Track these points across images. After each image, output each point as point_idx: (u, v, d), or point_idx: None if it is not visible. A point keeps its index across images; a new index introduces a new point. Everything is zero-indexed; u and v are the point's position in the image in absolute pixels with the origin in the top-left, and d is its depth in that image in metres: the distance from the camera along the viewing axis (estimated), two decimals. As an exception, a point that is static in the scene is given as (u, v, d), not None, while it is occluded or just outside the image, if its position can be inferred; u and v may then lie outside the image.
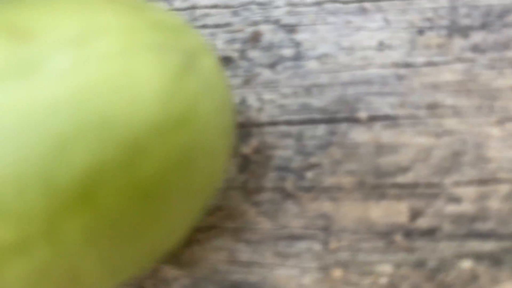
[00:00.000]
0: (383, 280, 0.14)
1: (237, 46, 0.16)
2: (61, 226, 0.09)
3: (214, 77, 0.11)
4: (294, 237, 0.15)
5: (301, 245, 0.15)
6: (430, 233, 0.15)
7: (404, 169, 0.15)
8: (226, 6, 0.17)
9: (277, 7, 0.17)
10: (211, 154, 0.11)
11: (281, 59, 0.16)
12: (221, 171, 0.12)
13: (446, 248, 0.15)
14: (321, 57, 0.16)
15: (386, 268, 0.14)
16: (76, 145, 0.09)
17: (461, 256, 0.14)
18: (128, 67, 0.10)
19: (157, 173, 0.10)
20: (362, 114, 0.16)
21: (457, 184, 0.15)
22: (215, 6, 0.17)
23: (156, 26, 0.11)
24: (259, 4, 0.17)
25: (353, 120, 0.16)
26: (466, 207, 0.15)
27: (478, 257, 0.14)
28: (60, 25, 0.10)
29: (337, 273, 0.15)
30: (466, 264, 0.14)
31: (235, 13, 0.17)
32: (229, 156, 0.12)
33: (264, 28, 0.17)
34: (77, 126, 0.09)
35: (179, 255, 0.15)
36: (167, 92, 0.10)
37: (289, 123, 0.16)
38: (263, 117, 0.16)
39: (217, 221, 0.16)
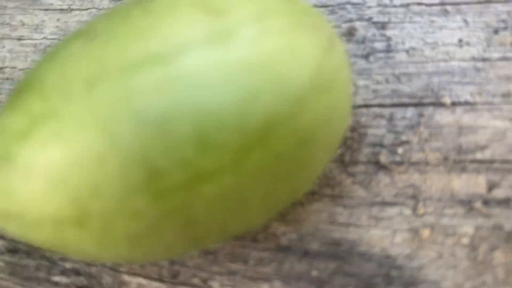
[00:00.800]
0: (465, 240, 0.17)
1: (338, 38, 0.19)
2: (244, 160, 0.12)
3: (344, 56, 0.14)
4: (386, 204, 0.18)
5: (393, 210, 0.17)
6: (505, 202, 0.17)
7: (482, 147, 0.17)
8: (325, 5, 0.20)
9: (369, 7, 0.20)
10: (343, 114, 0.14)
11: (374, 51, 0.19)
12: (342, 134, 0.14)
13: (521, 214, 0.17)
14: (409, 50, 0.19)
15: (467, 230, 0.17)
16: (260, 96, 0.12)
17: (535, 221, 0.17)
18: (293, 40, 0.12)
19: (312, 124, 0.12)
20: (446, 100, 0.18)
21: (531, 160, 0.17)
22: (314, 6, 0.20)
23: (307, 12, 0.13)
24: (354, 4, 0.20)
25: (438, 105, 0.18)
26: (538, 181, 0.17)
27: (550, 222, 0.17)
28: (243, 6, 0.12)
29: (425, 233, 0.17)
30: (541, 227, 0.16)
31: (332, 11, 0.20)
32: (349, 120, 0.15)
33: (358, 24, 0.19)
34: (262, 81, 0.12)
35: (286, 215, 0.18)
36: (320, 62, 0.13)
37: (381, 105, 0.18)
38: (358, 100, 0.19)
39: (317, 188, 0.18)
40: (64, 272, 0.18)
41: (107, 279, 0.18)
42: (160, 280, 0.18)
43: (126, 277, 0.18)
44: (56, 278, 0.18)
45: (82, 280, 0.18)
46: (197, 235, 0.13)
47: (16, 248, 0.19)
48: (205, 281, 0.17)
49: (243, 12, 0.12)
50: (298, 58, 0.12)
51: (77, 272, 0.18)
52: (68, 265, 0.19)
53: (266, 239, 0.18)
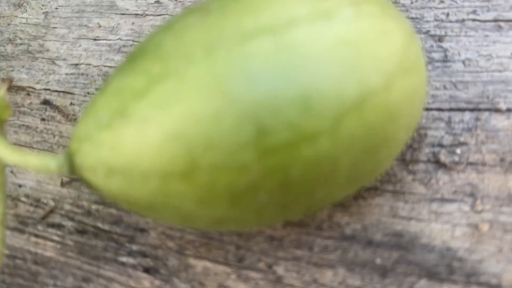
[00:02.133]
0: (525, 237, 0.17)
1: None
2: (340, 125, 0.13)
3: (420, 47, 0.15)
4: (445, 200, 0.18)
5: (452, 207, 0.18)
6: (563, 202, 0.18)
7: (538, 151, 0.18)
8: (384, 19, 0.21)
9: (427, 21, 0.21)
10: (422, 99, 0.15)
11: (431, 60, 0.20)
12: (420, 118, 0.16)
13: None
14: (464, 61, 0.20)
15: (527, 227, 0.18)
16: (359, 68, 0.13)
17: None
18: (384, 24, 0.14)
19: (399, 101, 0.14)
20: (502, 106, 0.19)
21: None
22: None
23: (390, 3, 0.15)
24: (412, 18, 0.21)
25: (494, 110, 0.19)
26: None
27: None
28: (341, -6, 0.14)
29: (484, 228, 0.18)
30: None
31: (392, 24, 0.21)
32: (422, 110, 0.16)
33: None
34: (358, 56, 0.13)
35: (349, 206, 0.19)
36: (406, 47, 0.14)
37: (439, 109, 0.20)
38: (417, 104, 0.20)
39: (379, 184, 0.19)
40: (131, 254, 0.19)
41: (173, 261, 0.19)
42: (226, 263, 0.18)
43: (191, 260, 0.19)
44: (123, 259, 0.19)
45: (148, 262, 0.19)
46: (288, 200, 0.14)
47: (84, 229, 0.20)
48: (270, 266, 0.18)
49: (341, -2, 0.14)
50: (389, 40, 0.14)
51: (143, 254, 0.19)
52: (135, 247, 0.19)
53: (330, 228, 0.18)
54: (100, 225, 0.20)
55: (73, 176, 0.15)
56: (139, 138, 0.13)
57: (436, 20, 0.21)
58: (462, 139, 0.19)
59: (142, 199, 0.14)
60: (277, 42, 0.13)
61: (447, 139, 0.19)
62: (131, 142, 0.13)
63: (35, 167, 0.15)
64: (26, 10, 0.25)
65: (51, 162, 0.15)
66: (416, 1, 0.22)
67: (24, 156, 0.15)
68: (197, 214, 0.14)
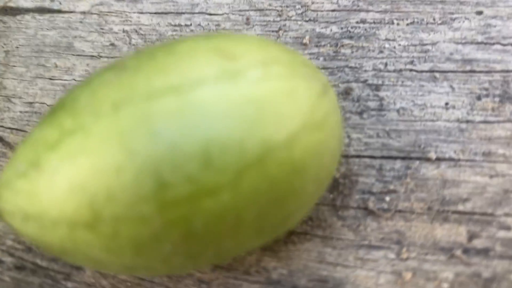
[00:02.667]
0: (445, 286, 0.18)
1: (336, 94, 0.21)
2: (242, 180, 0.13)
3: (336, 103, 0.16)
4: (372, 247, 0.19)
5: (378, 253, 0.19)
6: (484, 252, 0.18)
7: (464, 200, 0.19)
8: (325, 68, 0.22)
9: (365, 70, 0.22)
10: (333, 153, 0.15)
11: (367, 108, 0.21)
12: (333, 172, 0.16)
13: (498, 264, 0.18)
14: (399, 110, 0.21)
15: (448, 275, 0.18)
16: (262, 125, 0.13)
17: (511, 271, 0.18)
18: (292, 85, 0.15)
19: (303, 156, 0.14)
20: (432, 155, 0.20)
21: (507, 215, 0.19)
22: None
23: (305, 63, 0.16)
24: (351, 67, 0.22)
25: (424, 159, 0.20)
26: (515, 234, 0.18)
27: (525, 273, 0.18)
28: (252, 53, 0.15)
29: (408, 276, 0.18)
30: (516, 277, 0.18)
31: (332, 73, 0.22)
32: (338, 163, 0.17)
33: (354, 85, 0.22)
34: (262, 114, 0.14)
35: (278, 251, 0.19)
36: (313, 105, 0.15)
37: (372, 157, 0.20)
38: (351, 151, 0.20)
39: (309, 229, 0.20)
40: (65, 292, 0.20)
41: (105, 300, 0.19)
42: (155, 304, 0.19)
43: (123, 300, 0.19)
44: (58, 297, 0.20)
45: (81, 300, 0.19)
46: (194, 250, 0.14)
47: (23, 265, 0.20)
48: (197, 308, 0.18)
49: (251, 58, 0.14)
50: (294, 99, 0.14)
51: (78, 293, 0.19)
52: (70, 285, 0.20)
53: (257, 273, 0.19)
54: (38, 261, 0.20)
55: (-3, 219, 0.15)
56: (49, 188, 0.13)
57: (374, 69, 0.22)
58: (392, 186, 0.20)
59: (54, 245, 0.14)
60: (181, 100, 0.13)
61: (377, 186, 0.20)
62: (43, 191, 0.14)
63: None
64: (-11, 48, 0.26)
65: (-24, 205, 0.15)
66: (356, 51, 0.22)
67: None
68: (105, 261, 0.14)
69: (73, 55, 0.25)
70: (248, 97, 0.14)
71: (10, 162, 0.15)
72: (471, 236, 0.18)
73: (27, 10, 0.27)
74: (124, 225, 0.13)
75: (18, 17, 0.26)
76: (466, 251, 0.18)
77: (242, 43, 0.15)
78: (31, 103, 0.24)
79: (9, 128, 0.24)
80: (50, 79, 0.24)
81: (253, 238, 0.15)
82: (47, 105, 0.24)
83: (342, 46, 0.23)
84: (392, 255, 0.18)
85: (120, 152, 0.13)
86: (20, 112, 0.24)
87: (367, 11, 0.23)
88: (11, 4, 0.27)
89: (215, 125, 0.13)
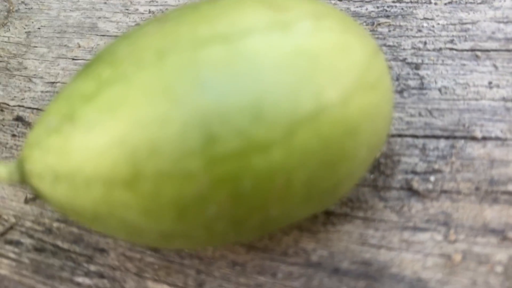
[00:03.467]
0: (499, 269, 0.17)
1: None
2: (294, 136, 0.12)
3: (387, 67, 0.15)
4: (418, 229, 0.18)
5: (424, 236, 0.18)
6: (540, 235, 0.17)
7: (514, 181, 0.18)
8: (361, 46, 0.21)
9: (404, 49, 0.21)
10: (385, 118, 0.14)
11: (407, 87, 0.20)
12: (384, 140, 0.15)
13: (556, 247, 0.17)
14: (441, 89, 0.20)
15: (501, 258, 0.17)
16: (315, 79, 0.12)
17: None
18: (345, 40, 0.14)
19: (357, 116, 0.13)
20: (477, 134, 0.19)
21: None
22: (353, 44, 0.21)
23: (355, 22, 0.15)
24: (389, 46, 0.21)
25: (470, 138, 0.19)
26: None
27: None
28: (301, 6, 0.14)
29: (457, 259, 0.17)
30: None
31: (368, 51, 0.21)
32: (390, 129, 0.16)
33: (393, 64, 0.21)
34: (315, 68, 0.13)
35: (317, 232, 0.18)
36: (367, 63, 0.14)
37: (414, 136, 0.19)
38: (392, 130, 0.19)
39: (349, 211, 0.18)
40: (88, 274, 0.18)
41: (130, 283, 0.18)
42: (185, 288, 0.17)
43: (150, 283, 0.18)
44: (79, 279, 0.18)
45: (105, 283, 0.18)
46: (240, 214, 0.13)
47: (43, 247, 0.19)
48: (231, 292, 0.17)
49: (301, 10, 0.14)
50: (349, 54, 0.13)
51: (101, 275, 0.18)
52: (93, 268, 0.18)
53: (296, 254, 0.18)
54: (59, 243, 0.19)
55: (23, 184, 0.14)
56: (84, 143, 0.12)
57: (413, 48, 0.21)
58: (436, 166, 0.18)
59: (86, 209, 0.13)
60: (230, 49, 0.12)
61: (421, 166, 0.18)
62: (77, 147, 0.12)
63: (-16, 174, 0.14)
64: (9, 29, 0.25)
65: (1, 170, 0.14)
66: (393, 30, 0.22)
67: (-26, 163, 0.14)
68: (143, 227, 0.13)
69: (97, 35, 0.24)
70: (300, 48, 0.13)
71: (40, 119, 0.14)
72: (524, 218, 0.17)
73: (49, -8, 0.26)
74: (167, 182, 0.12)
75: (40, -2, 0.26)
76: (519, 233, 0.17)
77: (291, -2, 0.14)
78: (52, 83, 0.23)
79: (30, 107, 0.23)
80: (73, 59, 0.23)
81: (301, 206, 0.14)
82: (70, 85, 0.23)
83: (379, 24, 0.22)
84: (439, 237, 0.17)
85: (165, 103, 0.12)
86: (41, 92, 0.23)
87: (403, -10, 0.22)
88: (33, -13, 0.26)
89: (266, 76, 0.12)
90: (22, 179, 0.14)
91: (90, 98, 0.12)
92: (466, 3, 0.22)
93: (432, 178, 0.18)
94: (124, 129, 0.12)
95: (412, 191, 0.18)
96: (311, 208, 0.14)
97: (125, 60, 0.13)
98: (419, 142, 0.19)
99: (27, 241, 0.19)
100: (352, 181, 0.14)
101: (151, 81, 0.12)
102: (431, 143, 0.19)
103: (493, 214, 0.17)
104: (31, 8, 0.26)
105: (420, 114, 0.19)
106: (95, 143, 0.12)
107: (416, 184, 0.18)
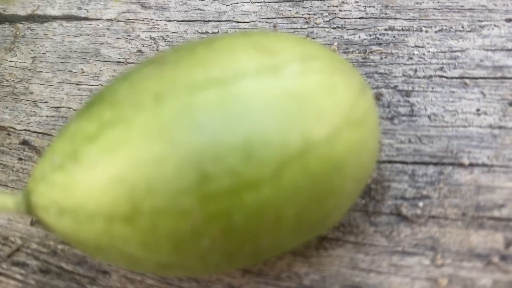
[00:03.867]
0: (484, 294, 0.17)
1: (367, 99, 0.21)
2: (283, 174, 0.13)
3: (373, 103, 0.16)
4: (406, 253, 0.18)
5: (412, 260, 0.18)
6: (523, 260, 0.18)
7: (499, 206, 0.19)
8: (354, 73, 0.22)
9: (395, 76, 0.22)
10: (372, 152, 0.15)
11: (398, 114, 0.21)
12: (371, 172, 0.16)
13: (538, 272, 0.17)
14: (430, 115, 0.21)
15: (485, 283, 0.17)
16: (303, 119, 0.13)
17: (552, 279, 0.17)
18: (332, 80, 0.14)
19: (344, 152, 0.14)
20: (465, 161, 0.19)
21: (546, 222, 0.18)
22: (346, 72, 0.22)
23: (343, 62, 0.16)
24: (381, 73, 0.22)
25: (458, 165, 0.19)
26: (554, 242, 0.18)
27: None
28: (290, 49, 0.15)
29: (444, 283, 0.18)
30: (558, 285, 0.17)
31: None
32: (375, 163, 0.16)
33: (384, 91, 0.22)
34: (303, 109, 0.13)
35: (309, 257, 0.19)
36: (353, 101, 0.15)
37: (403, 162, 0.20)
38: (382, 156, 0.20)
39: (341, 235, 0.19)
40: (91, 296, 0.19)
41: (131, 305, 0.19)
42: (183, 310, 0.18)
43: (150, 305, 0.19)
44: (83, 301, 0.19)
45: (107, 305, 0.19)
46: (232, 247, 0.14)
47: (48, 268, 0.20)
48: (227, 314, 0.18)
49: (290, 53, 0.14)
50: (335, 94, 0.14)
51: (103, 297, 0.19)
52: (95, 289, 0.19)
53: (289, 278, 0.18)
54: (64, 265, 0.20)
55: (30, 214, 0.15)
56: (87, 181, 0.13)
57: (404, 75, 0.22)
58: (425, 192, 0.19)
59: (89, 240, 0.14)
60: (223, 93, 0.13)
61: (410, 192, 0.19)
62: (80, 184, 0.13)
63: (-7, 205, 0.15)
64: (16, 54, 0.26)
65: (9, 201, 0.15)
66: (385, 57, 0.22)
67: (-17, 194, 0.15)
68: (141, 258, 0.14)
69: (100, 61, 0.25)
70: (289, 91, 0.13)
71: (45, 156, 0.15)
72: (508, 243, 0.18)
73: (54, 18, 0.27)
74: (164, 218, 0.13)
75: (46, 24, 0.27)
76: (503, 258, 0.18)
77: (280, 40, 0.15)
78: (57, 107, 0.24)
79: (35, 132, 0.24)
80: (77, 84, 0.24)
81: (291, 237, 0.14)
82: (73, 110, 0.24)
83: (371, 52, 0.22)
84: (426, 262, 0.18)
85: (161, 144, 0.13)
86: (47, 116, 0.24)
87: (395, 18, 0.23)
88: (39, 12, 0.27)
89: (257, 117, 0.13)
90: (28, 210, 0.15)
91: (92, 138, 0.13)
92: (455, 31, 0.22)
93: (420, 203, 0.19)
94: (123, 168, 0.13)
95: (401, 216, 0.19)
96: (301, 238, 0.15)
97: (125, 102, 0.13)
98: (409, 168, 0.20)
99: (33, 262, 0.20)
100: (340, 212, 0.15)
101: (149, 123, 0.13)
102: (420, 169, 0.20)
103: (479, 239, 0.18)
104: (37, 33, 0.27)
105: (409, 141, 0.20)
106: (97, 180, 0.13)
107: (405, 209, 0.19)
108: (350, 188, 0.15)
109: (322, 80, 0.14)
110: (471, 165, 0.19)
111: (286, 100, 0.13)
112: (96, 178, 0.13)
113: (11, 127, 0.24)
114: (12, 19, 0.28)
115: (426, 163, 0.20)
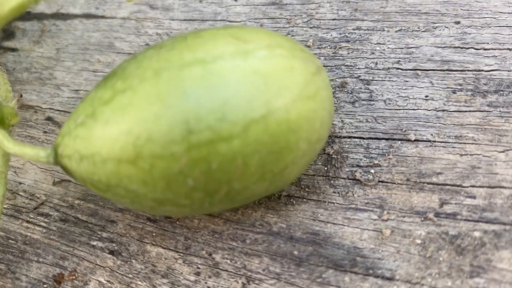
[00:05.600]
0: (418, 241, 0.21)
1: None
2: (249, 132, 0.17)
3: (328, 83, 0.20)
4: (358, 209, 0.23)
5: (363, 215, 0.22)
6: (453, 215, 0.22)
7: (437, 174, 0.23)
8: (325, 65, 0.26)
9: (359, 68, 0.26)
10: (323, 121, 0.20)
11: (359, 99, 0.25)
12: (324, 138, 0.20)
13: (463, 225, 0.22)
14: (386, 100, 0.25)
15: (421, 233, 0.22)
16: (266, 91, 0.18)
17: (474, 230, 0.21)
18: (290, 64, 0.19)
19: (298, 118, 0.18)
20: (411, 137, 0.24)
21: (473, 186, 0.22)
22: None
23: (302, 49, 0.20)
24: (347, 66, 0.26)
25: (405, 140, 0.24)
26: (478, 202, 0.22)
27: (485, 232, 0.21)
28: (260, 39, 0.19)
29: (387, 233, 0.22)
30: (477, 234, 0.21)
31: (330, 70, 0.26)
32: (330, 133, 0.21)
33: (349, 80, 0.26)
34: (266, 83, 0.18)
35: (279, 210, 0.23)
36: (307, 80, 0.19)
37: (360, 138, 0.24)
38: (343, 133, 0.24)
39: (306, 194, 0.23)
40: (101, 239, 0.24)
41: (133, 247, 0.23)
42: (175, 250, 0.23)
43: (148, 247, 0.23)
44: (94, 243, 0.24)
45: (113, 246, 0.23)
46: (211, 187, 0.18)
47: (67, 218, 0.25)
48: (210, 254, 0.22)
49: (259, 42, 0.19)
50: (292, 74, 0.18)
51: (111, 240, 0.23)
52: (105, 234, 0.24)
53: (261, 226, 0.23)
54: (79, 216, 0.24)
55: (56, 164, 0.20)
56: (102, 133, 0.18)
57: (366, 67, 0.26)
58: (376, 161, 0.23)
59: (101, 181, 0.18)
60: (206, 69, 0.18)
61: (364, 161, 0.23)
62: (97, 136, 0.18)
63: (29, 156, 0.20)
64: (43, 46, 0.31)
65: (41, 153, 0.20)
66: (352, 52, 0.27)
67: (22, 148, 0.20)
68: (141, 194, 0.18)
69: (114, 52, 0.29)
70: (256, 69, 0.18)
71: (70, 117, 0.19)
72: (442, 203, 0.22)
73: (75, 16, 0.32)
74: (159, 161, 0.17)
75: (68, 21, 0.31)
76: (437, 214, 0.22)
77: (253, 32, 0.19)
78: (77, 90, 0.29)
79: (58, 110, 0.28)
80: (93, 71, 0.29)
81: (257, 183, 0.19)
82: (90, 92, 0.28)
83: (340, 48, 0.27)
84: (374, 216, 0.22)
85: (158, 106, 0.17)
86: (68, 97, 0.29)
87: (362, 20, 0.27)
88: (62, 11, 0.32)
89: (230, 88, 0.17)
90: (55, 160, 0.19)
91: (107, 102, 0.18)
92: (412, 30, 0.27)
93: (372, 170, 0.23)
94: (130, 123, 0.17)
95: (356, 181, 0.23)
96: (265, 186, 0.19)
97: (132, 75, 0.18)
98: (364, 142, 0.24)
99: (54, 213, 0.25)
100: (297, 168, 0.19)
101: (149, 90, 0.17)
102: (374, 143, 0.24)
103: (419, 199, 0.22)
104: (61, 29, 0.31)
105: (367, 120, 0.24)
106: (110, 132, 0.17)
107: (359, 175, 0.23)
108: (304, 147, 0.19)
109: (283, 63, 0.18)
110: (417, 140, 0.24)
111: (253, 76, 0.18)
112: (109, 131, 0.17)
113: (38, 106, 0.29)
114: (40, 17, 0.32)
115: (379, 138, 0.24)
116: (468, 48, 0.25)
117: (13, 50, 0.31)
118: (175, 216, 0.23)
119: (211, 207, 0.19)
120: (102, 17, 0.31)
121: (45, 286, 0.23)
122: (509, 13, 0.26)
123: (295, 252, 0.22)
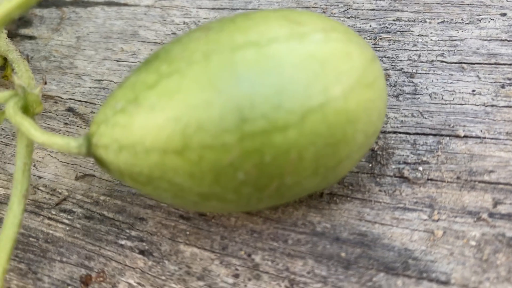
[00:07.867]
0: (473, 243, 0.20)
1: (376, 77, 0.24)
2: (305, 121, 0.16)
3: (382, 72, 0.19)
4: (407, 209, 0.21)
5: (412, 215, 0.21)
6: (508, 216, 0.20)
7: (489, 172, 0.21)
8: (365, 56, 0.25)
9: (401, 60, 0.25)
10: (380, 112, 0.18)
11: (403, 92, 0.24)
12: (378, 131, 0.19)
13: (521, 226, 0.20)
14: (431, 94, 0.23)
15: (475, 234, 0.20)
16: (324, 77, 0.16)
17: (532, 232, 0.20)
18: (348, 48, 0.17)
19: (356, 108, 0.17)
20: (460, 133, 0.22)
21: (529, 185, 0.21)
22: (357, 55, 0.25)
23: (357, 35, 0.18)
24: (389, 57, 0.25)
25: (454, 136, 0.22)
26: (536, 202, 0.21)
27: (545, 234, 0.20)
28: (314, 21, 0.18)
29: (439, 234, 0.20)
30: (537, 236, 0.20)
31: (371, 61, 0.25)
32: (383, 122, 0.19)
33: (391, 72, 0.24)
34: (323, 69, 0.16)
35: (322, 209, 0.21)
36: (366, 67, 0.17)
37: (406, 133, 0.23)
38: (388, 128, 0.23)
39: (350, 193, 0.22)
40: (129, 238, 0.22)
41: (165, 246, 0.22)
42: (211, 251, 0.21)
43: (182, 246, 0.21)
44: (122, 242, 0.22)
45: (144, 245, 0.22)
46: (262, 181, 0.17)
47: (91, 215, 0.23)
48: (249, 254, 0.21)
49: (315, 25, 0.17)
50: (351, 60, 0.17)
51: (140, 239, 0.22)
52: (133, 233, 0.22)
53: (304, 225, 0.21)
54: (105, 213, 0.23)
55: (88, 155, 0.18)
56: (146, 120, 0.16)
57: (409, 60, 0.25)
58: (424, 158, 0.22)
59: (142, 174, 0.17)
60: (260, 53, 0.16)
61: (412, 158, 0.22)
62: (139, 124, 0.16)
63: (59, 146, 0.18)
64: (62, 34, 0.29)
65: (72, 143, 0.18)
66: (393, 43, 0.25)
67: (51, 137, 0.18)
68: (186, 188, 0.17)
69: (138, 41, 0.28)
70: (313, 54, 0.16)
71: (105, 104, 0.18)
72: (496, 203, 0.21)
73: (96, 3, 0.30)
74: (208, 152, 0.16)
75: (89, 8, 0.30)
76: (491, 215, 0.20)
77: (306, 15, 0.18)
78: (99, 80, 0.27)
79: (79, 100, 0.27)
80: (117, 61, 0.27)
81: (310, 178, 0.17)
82: (114, 83, 0.27)
83: (380, 39, 0.25)
84: (424, 217, 0.21)
85: (209, 91, 0.16)
86: (90, 87, 0.27)
87: (402, 11, 0.26)
88: (82, -2, 0.30)
89: (286, 74, 0.16)
90: (88, 151, 0.18)
91: (152, 86, 0.16)
92: (456, 22, 0.25)
93: (420, 168, 0.22)
94: (177, 110, 0.16)
95: (403, 178, 0.22)
96: (317, 181, 0.18)
97: (179, 58, 0.16)
98: (411, 138, 0.23)
99: (78, 210, 0.23)
100: (351, 162, 0.18)
101: (199, 75, 0.16)
102: (421, 139, 0.22)
103: (470, 199, 0.21)
104: (81, 16, 0.30)
105: (412, 115, 0.23)
106: (155, 120, 0.16)
107: (407, 172, 0.22)
108: (360, 140, 0.18)
109: (340, 47, 0.17)
110: (466, 136, 0.22)
111: (310, 61, 0.16)
112: (154, 118, 0.16)
113: (58, 96, 0.27)
114: (58, 4, 0.31)
115: (426, 134, 0.23)
116: (516, 41, 0.24)
117: (31, 38, 0.30)
118: (210, 214, 0.22)
119: (258, 203, 0.18)
120: (125, 4, 0.29)
121: (69, 287, 0.21)
122: (561, 4, 0.25)
123: (342, 254, 0.20)
